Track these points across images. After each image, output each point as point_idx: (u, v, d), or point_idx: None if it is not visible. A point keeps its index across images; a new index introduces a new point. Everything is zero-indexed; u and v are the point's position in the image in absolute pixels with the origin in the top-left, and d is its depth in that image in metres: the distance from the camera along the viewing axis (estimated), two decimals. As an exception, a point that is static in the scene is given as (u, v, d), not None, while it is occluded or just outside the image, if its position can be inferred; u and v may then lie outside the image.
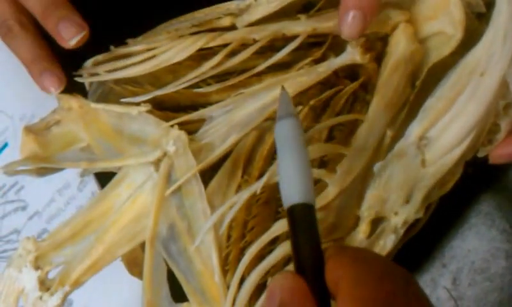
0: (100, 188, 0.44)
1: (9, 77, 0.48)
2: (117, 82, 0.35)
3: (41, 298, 0.33)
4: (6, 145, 0.48)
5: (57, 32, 0.36)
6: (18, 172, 0.36)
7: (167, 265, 0.32)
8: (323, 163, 0.31)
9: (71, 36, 0.36)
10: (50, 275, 0.34)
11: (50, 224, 0.46)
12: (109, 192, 0.34)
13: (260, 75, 0.32)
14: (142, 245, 0.33)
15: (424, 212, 0.30)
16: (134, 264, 0.38)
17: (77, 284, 0.33)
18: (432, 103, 0.28)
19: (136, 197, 0.33)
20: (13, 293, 0.33)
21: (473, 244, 0.36)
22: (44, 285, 0.33)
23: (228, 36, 0.32)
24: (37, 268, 0.33)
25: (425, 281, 0.36)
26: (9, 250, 0.47)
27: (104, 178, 0.42)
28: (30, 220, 0.46)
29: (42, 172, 0.37)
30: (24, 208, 0.47)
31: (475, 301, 0.35)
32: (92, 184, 0.44)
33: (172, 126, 0.32)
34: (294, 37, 0.31)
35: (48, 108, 0.42)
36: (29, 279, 0.33)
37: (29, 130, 0.36)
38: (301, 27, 0.31)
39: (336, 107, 0.31)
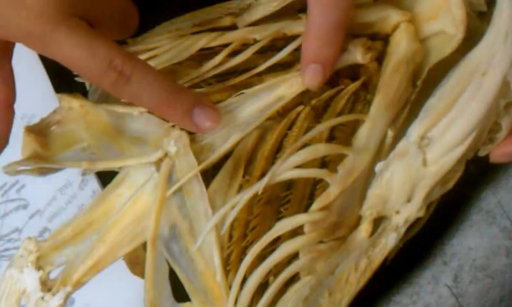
0: (102, 187, 0.44)
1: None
2: (118, 81, 0.35)
3: (43, 298, 0.33)
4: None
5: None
6: (19, 172, 0.36)
7: (169, 264, 0.33)
8: (324, 163, 0.31)
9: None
10: (52, 276, 0.34)
11: (52, 222, 0.46)
12: (110, 192, 0.34)
13: (261, 75, 0.32)
14: (144, 245, 0.33)
15: (425, 210, 0.30)
16: (135, 263, 0.38)
17: (78, 284, 0.33)
18: (434, 102, 0.28)
19: (137, 198, 0.33)
20: (14, 294, 0.34)
21: (474, 242, 0.36)
22: (46, 285, 0.33)
23: (229, 36, 0.32)
24: (38, 268, 0.33)
25: (427, 278, 0.36)
26: (11, 249, 0.47)
27: (105, 177, 0.42)
28: (31, 219, 0.46)
29: (43, 171, 0.37)
30: (25, 207, 0.47)
31: (477, 298, 0.35)
32: (93, 183, 0.44)
33: (173, 126, 0.32)
34: (295, 36, 0.31)
35: (48, 108, 0.42)
36: (30, 279, 0.33)
37: (30, 130, 0.36)
38: (302, 26, 0.31)
39: (337, 107, 0.31)
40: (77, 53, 0.28)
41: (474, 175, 0.35)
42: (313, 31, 0.28)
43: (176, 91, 0.30)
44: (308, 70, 0.29)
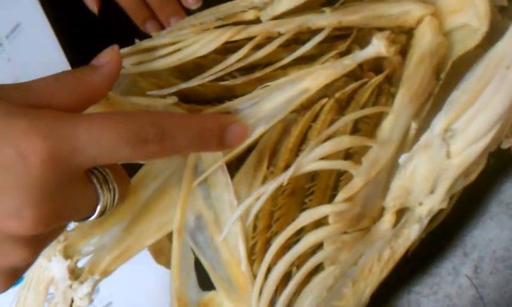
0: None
1: (37, 70, 0.49)
2: (142, 74, 0.36)
3: (71, 286, 0.33)
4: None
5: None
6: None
7: (194, 254, 0.33)
8: (349, 155, 0.31)
9: None
10: (79, 265, 0.34)
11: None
12: (136, 183, 0.34)
13: (285, 68, 0.32)
14: (168, 235, 0.34)
15: (447, 202, 0.31)
16: (160, 253, 0.38)
17: (106, 273, 0.34)
18: (458, 95, 0.28)
19: (163, 189, 0.33)
20: (43, 282, 0.34)
21: (494, 233, 0.36)
22: (74, 274, 0.34)
23: (253, 30, 0.32)
24: (66, 257, 0.34)
25: (447, 269, 0.37)
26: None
27: (128, 168, 0.43)
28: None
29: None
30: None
31: (497, 289, 0.36)
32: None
33: (198, 119, 0.32)
34: (319, 30, 0.31)
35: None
36: (59, 268, 0.34)
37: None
38: (326, 20, 0.31)
39: (361, 100, 0.31)
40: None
41: (495, 168, 0.36)
42: None
43: (202, 126, 0.29)
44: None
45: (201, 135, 0.29)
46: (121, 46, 0.37)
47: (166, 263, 0.38)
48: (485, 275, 0.36)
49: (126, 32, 0.45)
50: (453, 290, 0.36)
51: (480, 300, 0.36)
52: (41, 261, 0.34)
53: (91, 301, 0.33)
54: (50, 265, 0.34)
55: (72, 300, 0.33)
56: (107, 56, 0.29)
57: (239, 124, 0.31)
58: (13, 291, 0.48)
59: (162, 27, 0.45)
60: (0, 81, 0.52)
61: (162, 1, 0.45)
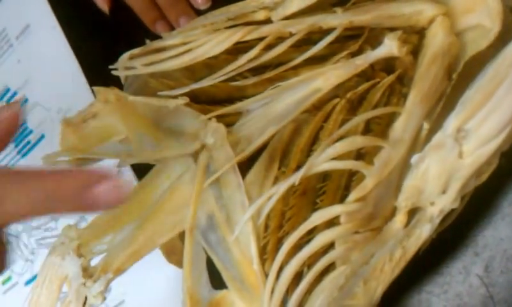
0: (136, 176, 0.45)
1: (47, 71, 0.49)
2: (152, 75, 0.36)
3: (84, 285, 0.34)
4: (42, 137, 0.49)
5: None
6: (57, 163, 0.37)
7: (206, 253, 0.33)
8: (360, 155, 0.31)
9: None
10: (92, 263, 0.35)
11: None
12: (148, 183, 0.35)
13: (296, 68, 0.32)
14: (180, 235, 0.34)
15: (459, 202, 0.31)
16: (171, 252, 0.39)
17: (119, 271, 0.34)
18: (471, 96, 0.28)
19: (175, 188, 0.34)
20: (56, 280, 0.35)
21: (505, 233, 0.36)
22: (87, 272, 0.34)
23: (264, 30, 0.32)
24: (80, 255, 0.34)
25: (458, 269, 0.37)
26: (48, 237, 0.48)
27: (140, 168, 0.43)
28: (67, 209, 0.48)
29: (80, 163, 0.38)
30: (61, 197, 0.48)
31: (507, 288, 0.36)
32: (127, 172, 0.45)
33: (210, 118, 0.33)
34: (330, 30, 0.31)
35: (84, 102, 0.43)
36: (72, 266, 0.34)
37: (67, 123, 0.37)
38: (338, 20, 0.31)
39: (373, 100, 0.31)
40: None
41: (506, 168, 0.36)
42: None
43: (54, 185, 0.24)
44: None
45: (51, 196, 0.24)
46: (131, 46, 0.37)
47: (178, 263, 0.38)
48: (496, 274, 0.36)
49: (135, 33, 0.45)
50: (464, 289, 0.36)
51: (490, 299, 0.36)
52: (54, 259, 0.35)
53: (104, 299, 0.34)
54: (63, 264, 0.34)
55: (86, 299, 0.34)
56: (5, 113, 0.28)
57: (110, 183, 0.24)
58: (26, 289, 0.48)
59: (172, 27, 0.45)
60: (11, 82, 0.53)
61: (171, 2, 0.45)
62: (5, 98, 0.51)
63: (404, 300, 0.37)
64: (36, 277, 0.48)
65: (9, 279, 0.50)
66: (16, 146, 0.50)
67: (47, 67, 0.49)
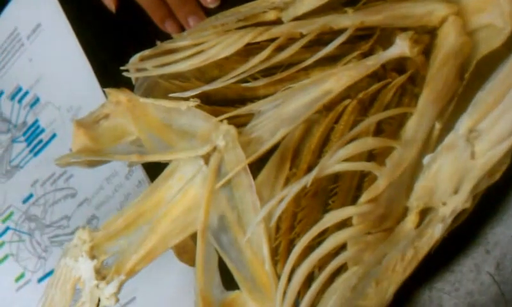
0: (147, 177, 0.45)
1: (58, 70, 0.49)
2: (163, 76, 0.36)
3: (97, 286, 0.34)
4: (54, 136, 0.50)
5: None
6: (69, 163, 0.38)
7: (218, 254, 0.33)
8: (372, 156, 0.31)
9: None
10: (105, 264, 0.35)
11: (99, 210, 0.47)
12: (160, 184, 0.35)
13: (307, 69, 0.32)
14: (193, 235, 0.34)
15: (471, 201, 0.31)
16: (183, 251, 0.39)
17: (132, 272, 0.34)
18: (483, 96, 0.28)
19: (187, 190, 0.34)
20: (69, 281, 0.35)
21: (517, 231, 0.36)
22: (100, 274, 0.34)
23: (275, 31, 0.32)
24: (93, 257, 0.34)
25: (469, 267, 0.37)
26: (61, 235, 0.49)
27: (150, 167, 0.43)
28: (79, 206, 0.48)
29: (92, 164, 0.38)
30: (73, 196, 0.48)
31: (519, 286, 0.36)
32: (139, 172, 0.46)
33: (221, 121, 0.33)
34: (341, 31, 0.31)
35: (94, 100, 0.43)
36: (85, 268, 0.34)
37: (79, 124, 0.37)
38: (349, 20, 0.31)
39: (384, 100, 0.31)
40: None
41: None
42: None
43: None
44: None
45: None
46: (140, 45, 0.37)
47: (189, 261, 0.39)
48: (507, 272, 0.36)
49: (145, 31, 0.45)
50: (475, 287, 0.36)
51: (502, 297, 0.36)
52: (67, 261, 0.35)
53: (117, 301, 0.34)
54: (76, 265, 0.35)
55: (99, 300, 0.34)
56: None
57: None
58: (39, 286, 0.49)
59: (181, 26, 0.45)
60: (23, 81, 0.53)
61: (180, 0, 0.45)
62: (17, 97, 0.52)
63: (415, 297, 0.37)
64: (49, 274, 0.49)
65: (22, 276, 0.51)
66: (28, 145, 0.50)
67: (58, 66, 0.49)
